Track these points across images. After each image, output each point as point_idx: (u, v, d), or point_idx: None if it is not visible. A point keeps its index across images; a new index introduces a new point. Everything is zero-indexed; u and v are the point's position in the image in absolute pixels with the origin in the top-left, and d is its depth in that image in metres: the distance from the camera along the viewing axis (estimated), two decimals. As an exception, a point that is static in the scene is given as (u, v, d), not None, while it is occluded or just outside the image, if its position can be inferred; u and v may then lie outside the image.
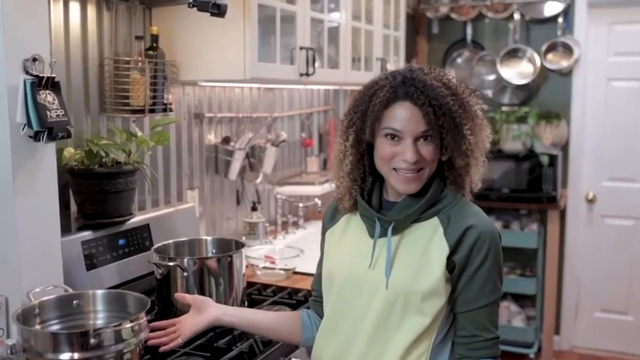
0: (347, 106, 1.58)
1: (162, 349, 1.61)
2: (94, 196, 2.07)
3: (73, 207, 2.15)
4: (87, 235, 2.09)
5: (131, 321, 1.50)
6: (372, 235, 1.52)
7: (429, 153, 1.46)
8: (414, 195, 1.50)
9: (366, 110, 1.48)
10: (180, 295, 1.77)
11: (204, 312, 1.67)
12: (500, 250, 1.49)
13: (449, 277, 1.46)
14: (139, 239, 2.28)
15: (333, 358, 1.57)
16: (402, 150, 1.45)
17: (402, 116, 1.44)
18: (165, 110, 2.35)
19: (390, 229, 1.49)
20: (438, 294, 1.45)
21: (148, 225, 2.33)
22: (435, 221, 1.49)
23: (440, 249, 1.45)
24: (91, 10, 2.21)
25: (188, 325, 1.65)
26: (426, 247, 1.47)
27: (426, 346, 1.48)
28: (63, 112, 1.68)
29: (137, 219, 2.28)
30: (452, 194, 1.51)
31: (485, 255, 1.45)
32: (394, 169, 1.47)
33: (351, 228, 1.60)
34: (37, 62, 1.64)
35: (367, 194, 1.57)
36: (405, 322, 1.47)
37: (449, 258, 1.45)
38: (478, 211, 1.52)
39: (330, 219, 1.68)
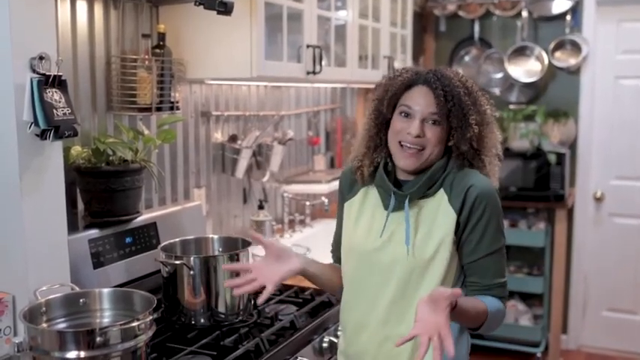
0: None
1: (259, 300, 1.67)
2: (101, 194, 2.07)
3: (80, 205, 2.15)
4: (94, 233, 2.09)
5: (138, 319, 1.50)
6: (387, 208, 1.66)
7: (433, 135, 1.62)
8: (423, 174, 1.65)
9: (389, 87, 1.68)
10: (256, 236, 1.78)
11: (287, 261, 1.71)
12: (498, 206, 1.64)
13: (454, 237, 1.62)
14: (146, 237, 2.28)
15: (357, 322, 1.71)
16: (409, 126, 1.62)
17: (418, 97, 1.63)
18: (172, 108, 2.35)
19: (406, 202, 1.63)
20: (450, 257, 1.61)
21: (154, 223, 2.33)
22: (440, 193, 1.64)
23: (447, 216, 1.61)
24: (98, 9, 2.21)
25: (272, 272, 1.68)
26: (435, 216, 1.63)
27: None
28: (69, 111, 1.68)
29: (144, 217, 2.28)
30: (453, 165, 1.65)
31: (482, 210, 1.61)
32: (400, 143, 1.63)
33: (368, 201, 1.74)
34: (43, 60, 1.64)
35: (390, 166, 1.71)
36: (423, 284, 1.62)
37: (456, 220, 1.61)
38: (477, 174, 1.65)
39: (348, 189, 1.81)
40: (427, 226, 1.63)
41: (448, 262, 1.62)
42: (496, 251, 1.64)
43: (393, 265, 1.64)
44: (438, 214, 1.62)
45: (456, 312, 1.45)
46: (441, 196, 1.64)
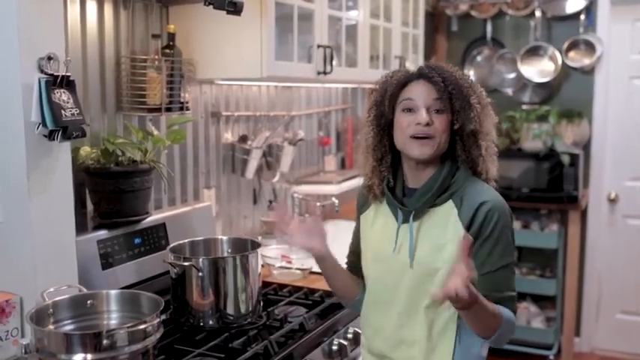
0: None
1: (283, 239, 1.81)
2: (110, 195, 2.06)
3: (89, 206, 2.14)
4: (102, 234, 2.08)
5: (145, 322, 1.49)
6: (398, 220, 1.71)
7: (440, 122, 1.63)
8: (430, 182, 1.67)
9: (386, 87, 1.70)
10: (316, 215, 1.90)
11: (315, 239, 1.81)
12: (509, 222, 1.65)
13: None
14: (155, 238, 2.27)
15: (375, 325, 1.77)
16: (415, 117, 1.63)
17: (417, 90, 1.65)
18: (182, 109, 2.34)
19: (411, 216, 1.66)
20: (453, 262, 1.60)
21: (164, 224, 2.32)
22: (449, 204, 1.66)
23: (455, 229, 1.63)
24: (108, 9, 2.20)
25: (302, 236, 1.81)
26: (444, 228, 1.65)
27: (453, 310, 1.62)
28: (78, 111, 1.67)
29: (153, 218, 2.27)
30: (462, 176, 1.67)
31: (493, 226, 1.61)
32: (410, 137, 1.64)
33: (380, 214, 1.78)
34: (52, 61, 1.64)
35: (392, 184, 1.75)
36: (430, 292, 1.62)
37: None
38: (488, 188, 1.68)
39: (362, 204, 1.87)
40: (436, 236, 1.65)
41: None
42: (506, 265, 1.64)
43: (402, 274, 1.68)
44: (448, 227, 1.64)
45: (476, 307, 1.48)
46: (451, 208, 1.65)
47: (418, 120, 1.62)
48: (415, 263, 1.65)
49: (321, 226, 1.85)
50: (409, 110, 1.65)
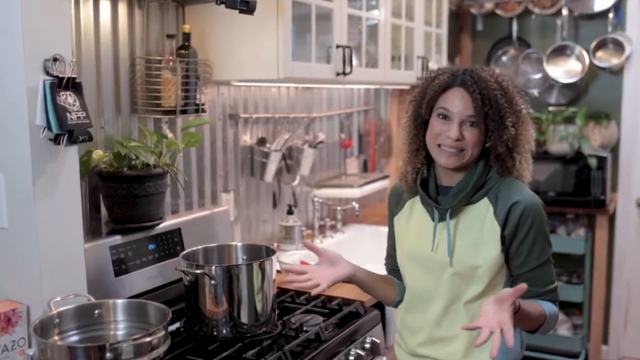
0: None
1: (314, 291, 1.79)
2: (123, 199, 2.02)
3: (103, 211, 2.10)
4: (115, 239, 2.04)
5: (150, 334, 1.44)
6: (433, 220, 1.75)
7: (471, 136, 1.66)
8: (464, 181, 1.71)
9: (426, 89, 1.72)
10: (309, 244, 1.90)
11: (338, 265, 1.86)
12: (544, 219, 1.69)
13: (501, 248, 1.68)
14: (170, 244, 2.23)
15: (413, 326, 1.82)
16: (448, 129, 1.66)
17: (455, 100, 1.66)
18: (197, 111, 2.29)
19: (447, 215, 1.70)
20: (498, 265, 1.69)
21: (179, 229, 2.27)
22: (485, 202, 1.70)
23: (492, 228, 1.67)
24: (122, 9, 2.16)
25: (326, 274, 1.82)
26: (481, 226, 1.69)
27: None
28: (84, 114, 1.62)
29: (168, 223, 2.23)
30: (496, 175, 1.71)
31: (529, 226, 1.66)
32: (439, 145, 1.68)
33: (415, 213, 1.82)
34: (57, 62, 1.58)
35: (424, 182, 1.79)
36: (469, 290, 1.71)
37: (501, 233, 1.67)
38: (522, 187, 1.71)
39: (395, 204, 1.91)
40: (473, 234, 1.69)
41: (495, 271, 1.69)
42: (545, 261, 1.70)
43: (441, 273, 1.73)
44: (485, 225, 1.68)
45: (519, 314, 1.50)
46: (487, 206, 1.69)
47: (449, 134, 1.65)
48: (454, 261, 1.69)
49: (328, 252, 1.88)
50: (444, 117, 1.68)
